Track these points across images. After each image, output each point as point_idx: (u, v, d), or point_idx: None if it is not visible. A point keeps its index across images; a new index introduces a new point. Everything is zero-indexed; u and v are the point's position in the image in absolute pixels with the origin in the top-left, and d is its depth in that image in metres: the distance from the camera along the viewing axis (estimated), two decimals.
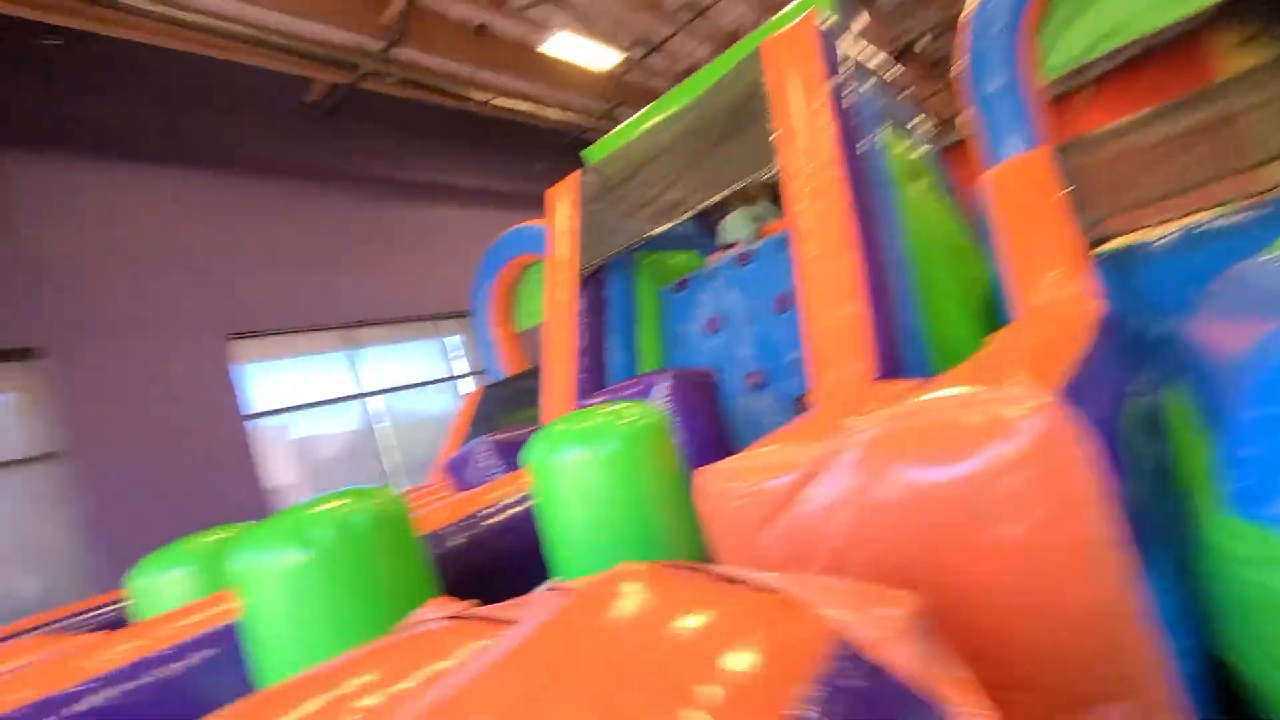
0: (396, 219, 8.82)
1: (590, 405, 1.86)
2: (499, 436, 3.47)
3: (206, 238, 6.85)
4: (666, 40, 8.71)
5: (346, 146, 8.29)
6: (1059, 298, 2.70)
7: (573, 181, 4.71)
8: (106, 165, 6.30)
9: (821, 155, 3.17)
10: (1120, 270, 2.90)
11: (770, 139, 3.36)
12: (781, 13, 4.09)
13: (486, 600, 1.99)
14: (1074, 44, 3.61)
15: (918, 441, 1.09)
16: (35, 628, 2.41)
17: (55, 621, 2.56)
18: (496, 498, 2.20)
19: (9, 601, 4.94)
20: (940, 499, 1.06)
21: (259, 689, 1.40)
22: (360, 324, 8.10)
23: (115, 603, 2.73)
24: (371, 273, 8.30)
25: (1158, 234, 3.01)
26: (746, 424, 3.99)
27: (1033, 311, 2.10)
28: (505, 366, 6.57)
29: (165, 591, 2.00)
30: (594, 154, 5.11)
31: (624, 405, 1.63)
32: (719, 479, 1.32)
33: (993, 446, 1.01)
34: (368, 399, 8.25)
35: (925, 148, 4.71)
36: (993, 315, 4.18)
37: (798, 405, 3.27)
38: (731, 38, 8.70)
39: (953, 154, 5.82)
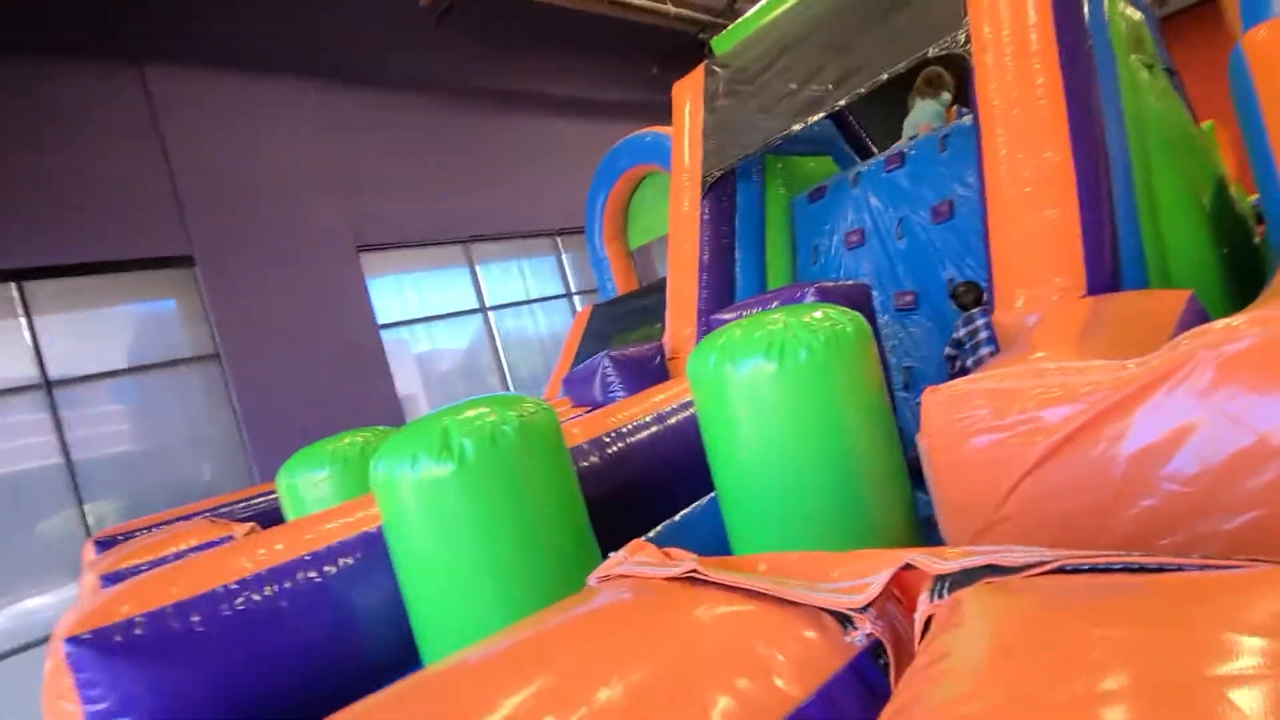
0: (511, 131, 8.62)
1: (735, 317, 1.57)
2: (620, 352, 3.28)
3: (335, 151, 7.00)
4: None
5: (461, 55, 8.09)
6: None
7: (699, 76, 4.24)
8: (245, 80, 6.50)
9: (1026, 15, 2.54)
10: None
11: None
12: None
13: (629, 523, 1.83)
14: None
15: None
16: (200, 513, 2.56)
17: (217, 508, 2.72)
18: (633, 414, 2.00)
19: (184, 487, 5.58)
20: None
21: (407, 604, 1.30)
22: (476, 239, 8.15)
23: (269, 493, 2.88)
24: (488, 187, 8.26)
25: None
26: (897, 351, 3.57)
27: None
28: (617, 284, 6.38)
29: (310, 492, 2.00)
30: (722, 44, 4.55)
31: (815, 308, 1.32)
32: (961, 405, 1.00)
33: None
34: (486, 314, 8.42)
35: (1141, 15, 3.78)
36: (1225, 221, 3.40)
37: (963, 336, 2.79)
38: None
39: (1170, 25, 4.72)
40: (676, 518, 1.95)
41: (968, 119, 3.77)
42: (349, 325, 6.72)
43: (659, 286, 5.18)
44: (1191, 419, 0.80)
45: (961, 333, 2.82)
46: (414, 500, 1.21)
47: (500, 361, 8.48)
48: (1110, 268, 2.21)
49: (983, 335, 2.71)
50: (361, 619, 1.36)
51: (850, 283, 2.58)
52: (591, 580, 0.83)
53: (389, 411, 6.75)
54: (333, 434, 2.10)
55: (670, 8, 8.05)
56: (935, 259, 3.48)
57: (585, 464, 1.73)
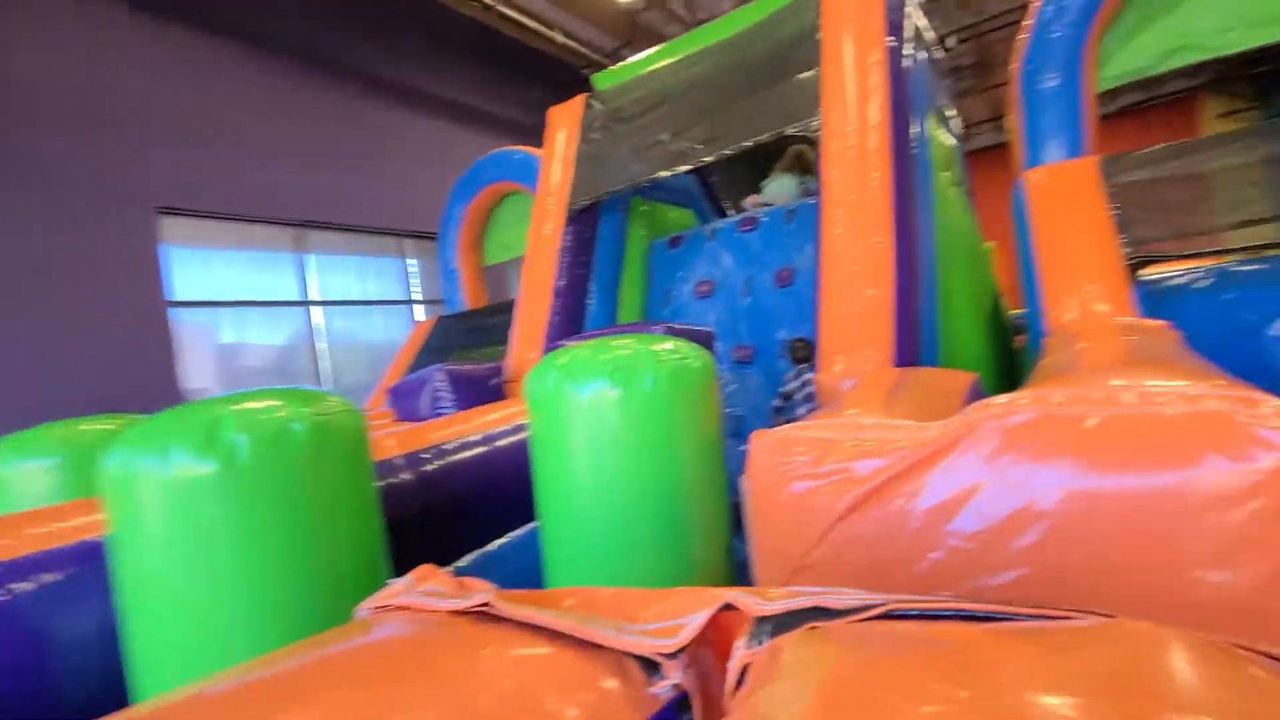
0: (373, 119, 8.03)
1: (604, 335, 1.52)
2: (456, 367, 3.09)
3: (148, 87, 6.01)
4: None
5: (330, 23, 7.46)
6: (1095, 315, 2.51)
7: (577, 106, 4.27)
8: None
9: (870, 117, 2.87)
10: (1154, 298, 2.73)
11: (815, 90, 3.02)
12: None
13: (438, 550, 1.66)
14: (1138, 55, 3.40)
15: (1094, 435, 0.82)
16: None
17: None
18: (459, 431, 1.85)
19: None
20: (1125, 512, 0.78)
21: (125, 633, 1.04)
22: (309, 224, 7.39)
23: None
24: (334, 172, 7.57)
25: (1191, 268, 2.85)
26: (730, 400, 3.73)
27: (1105, 323, 1.87)
28: (466, 298, 6.11)
29: (25, 486, 1.58)
30: (603, 81, 4.65)
31: (661, 338, 1.30)
32: (785, 450, 1.02)
33: (1218, 460, 0.74)
34: (311, 309, 7.61)
35: (955, 142, 4.48)
36: (996, 327, 4.04)
37: (789, 388, 3.01)
38: None
39: (970, 160, 5.63)
40: (492, 546, 1.81)
41: (815, 199, 4.19)
42: (130, 296, 5.68)
43: (508, 307, 5.03)
44: (976, 481, 0.87)
45: (792, 385, 3.03)
46: (158, 503, 0.96)
47: (319, 364, 7.68)
48: (913, 347, 2.49)
49: (810, 389, 2.94)
50: (59, 651, 1.06)
51: (698, 327, 2.66)
52: (362, 610, 0.69)
53: (166, 405, 5.76)
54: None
55: (559, 37, 8.14)
56: (774, 320, 3.73)
57: (395, 480, 1.55)
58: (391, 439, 1.68)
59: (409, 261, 8.72)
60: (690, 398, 1.25)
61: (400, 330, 8.51)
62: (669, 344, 1.29)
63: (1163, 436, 0.77)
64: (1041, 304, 2.69)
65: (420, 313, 8.70)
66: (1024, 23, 3.43)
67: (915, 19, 3.43)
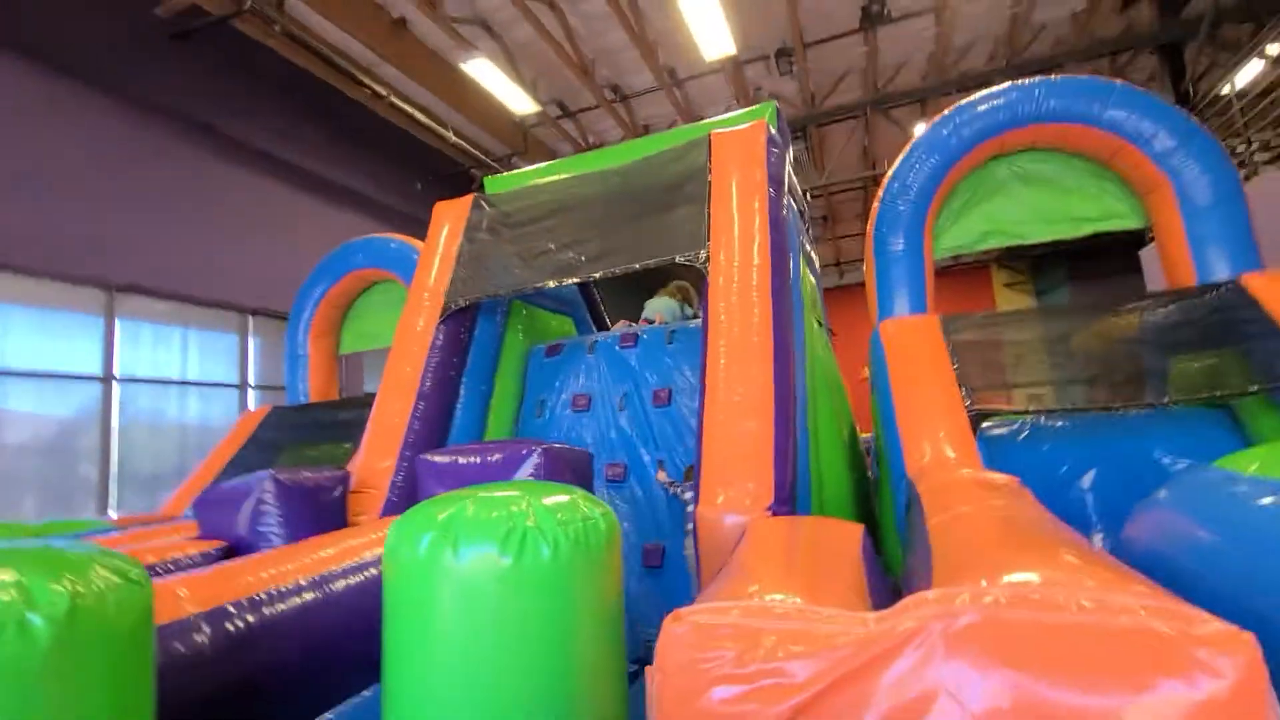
0: (230, 182, 7.37)
1: (487, 482, 1.31)
2: (289, 476, 2.60)
3: None
4: (584, 110, 8.71)
5: (193, 82, 6.91)
6: (947, 460, 2.70)
7: (465, 204, 4.17)
8: None
9: (752, 257, 3.03)
10: (986, 445, 3.01)
11: (704, 225, 3.17)
12: (734, 114, 4.10)
13: None
14: (962, 233, 4.00)
15: (1040, 644, 0.77)
16: None
17: None
18: (284, 574, 1.49)
19: None
20: None
21: None
22: (127, 288, 6.42)
23: None
24: (166, 233, 6.74)
25: (1013, 420, 3.21)
26: None
27: (968, 479, 1.97)
28: (311, 388, 5.49)
29: None
30: (494, 186, 4.63)
31: (558, 489, 1.11)
32: (704, 643, 0.87)
33: (1162, 683, 0.71)
34: (110, 384, 6.43)
35: (815, 280, 4.91)
36: (854, 453, 4.27)
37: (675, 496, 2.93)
38: (642, 133, 8.95)
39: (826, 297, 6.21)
40: None
41: (694, 323, 4.33)
42: None
43: (362, 403, 4.56)
44: (925, 689, 0.78)
45: (686, 495, 2.96)
46: None
47: (110, 445, 6.43)
48: (791, 480, 2.50)
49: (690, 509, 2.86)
50: None
51: (577, 449, 2.50)
52: None
53: None
54: None
55: (451, 135, 8.19)
56: (649, 439, 3.67)
57: (184, 650, 1.17)
58: (184, 586, 1.30)
59: (250, 340, 7.81)
60: (594, 568, 1.05)
61: (223, 415, 7.45)
62: (562, 495, 1.10)
63: (1112, 652, 0.73)
64: (901, 443, 2.86)
65: (253, 399, 7.71)
66: (877, 191, 3.92)
67: (789, 174, 3.81)
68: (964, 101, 3.77)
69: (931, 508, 1.60)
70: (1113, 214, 3.75)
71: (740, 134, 3.46)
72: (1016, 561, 1.02)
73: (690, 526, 2.98)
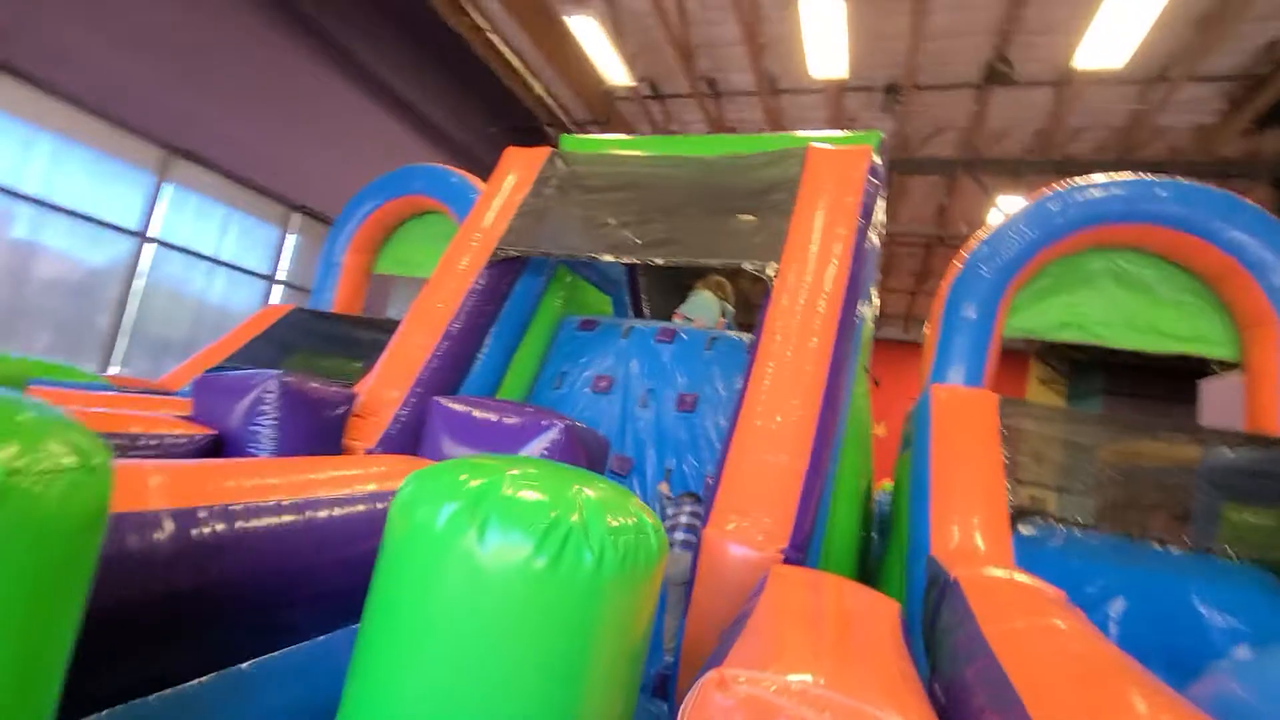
0: (307, 74, 7.27)
1: (522, 452, 1.14)
2: (296, 381, 2.47)
3: None
4: (674, 96, 8.50)
5: None
6: (977, 550, 2.51)
7: (539, 156, 4.02)
8: None
9: (824, 283, 2.85)
10: (1019, 542, 2.81)
11: (782, 237, 2.99)
12: (837, 134, 3.89)
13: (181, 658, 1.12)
14: (1039, 318, 3.77)
15: None
16: None
17: None
18: (269, 488, 1.35)
19: None
20: None
21: None
22: (176, 150, 6.34)
23: None
24: (234, 108, 6.66)
25: (1047, 525, 3.00)
26: None
27: (1020, 588, 1.78)
28: (337, 299, 5.38)
29: None
30: (572, 145, 4.47)
31: (590, 478, 0.96)
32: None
33: None
34: (143, 242, 6.38)
35: (870, 326, 4.70)
36: (866, 509, 4.07)
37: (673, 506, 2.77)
38: (726, 132, 8.74)
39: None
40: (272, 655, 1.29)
41: (733, 333, 4.15)
42: None
43: (383, 326, 4.44)
44: None
45: (670, 510, 2.81)
46: None
47: (127, 304, 6.39)
48: (810, 527, 2.33)
49: (682, 520, 2.71)
50: None
51: (598, 434, 2.34)
52: None
53: None
54: None
55: (538, 87, 8.02)
56: (664, 441, 3.51)
57: (137, 543, 1.03)
58: (157, 473, 1.16)
59: (290, 236, 7.74)
60: (635, 594, 0.88)
61: (245, 301, 7.40)
62: (611, 492, 0.93)
63: None
64: (929, 518, 2.67)
65: (278, 294, 7.65)
66: (960, 251, 3.71)
67: (880, 208, 3.61)
68: (1080, 182, 3.54)
69: (982, 610, 1.42)
70: (1204, 338, 3.51)
71: (841, 154, 3.27)
72: (1121, 715, 0.84)
73: (679, 538, 2.82)
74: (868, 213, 3.11)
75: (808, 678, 0.80)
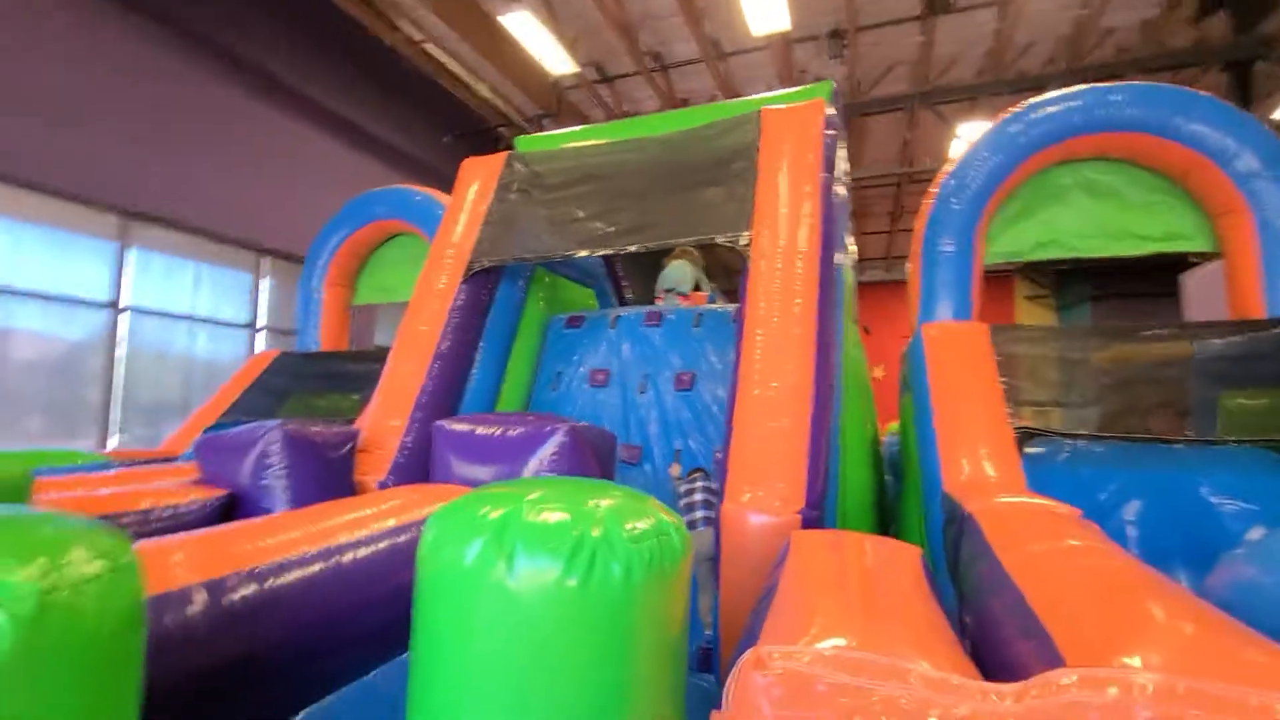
0: (256, 120, 7.16)
1: (542, 477, 1.16)
2: (300, 429, 2.48)
3: None
4: (622, 76, 8.41)
5: (224, 14, 6.68)
6: (988, 479, 2.55)
7: (496, 162, 3.99)
8: None
9: (798, 244, 2.86)
10: (1026, 462, 2.85)
11: (749, 205, 2.99)
12: (787, 91, 3.88)
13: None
14: (1017, 241, 3.80)
15: None
16: None
17: None
18: (291, 542, 1.37)
19: None
20: None
21: None
22: (135, 215, 6.25)
23: None
24: (188, 161, 6.57)
25: (1054, 441, 3.05)
26: None
27: (1031, 509, 1.82)
28: (323, 337, 5.36)
29: None
30: (527, 145, 4.44)
31: (620, 492, 0.98)
32: (789, 698, 0.73)
33: None
34: (117, 313, 6.32)
35: (852, 275, 4.72)
36: (876, 454, 4.12)
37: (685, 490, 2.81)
38: (680, 106, 8.66)
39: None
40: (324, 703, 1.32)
41: (718, 305, 4.16)
42: None
43: (372, 356, 4.43)
44: None
45: (682, 489, 2.86)
46: None
47: (114, 371, 6.34)
48: (822, 485, 2.36)
49: (697, 498, 2.74)
50: None
51: (602, 430, 2.37)
52: None
53: None
54: None
55: (484, 90, 7.92)
56: (669, 423, 3.53)
57: (174, 621, 1.05)
58: (180, 550, 1.17)
59: (264, 281, 7.67)
60: (667, 596, 0.90)
61: (231, 354, 7.36)
62: (627, 499, 0.95)
63: None
64: (939, 456, 2.71)
65: (262, 341, 7.60)
66: (930, 188, 3.71)
67: (842, 158, 3.61)
68: (1035, 99, 3.54)
69: (997, 540, 1.46)
70: (1178, 234, 3.54)
71: (795, 112, 3.26)
72: (1144, 629, 0.87)
73: (698, 515, 2.86)
74: (830, 166, 3.11)
75: (840, 641, 0.83)
